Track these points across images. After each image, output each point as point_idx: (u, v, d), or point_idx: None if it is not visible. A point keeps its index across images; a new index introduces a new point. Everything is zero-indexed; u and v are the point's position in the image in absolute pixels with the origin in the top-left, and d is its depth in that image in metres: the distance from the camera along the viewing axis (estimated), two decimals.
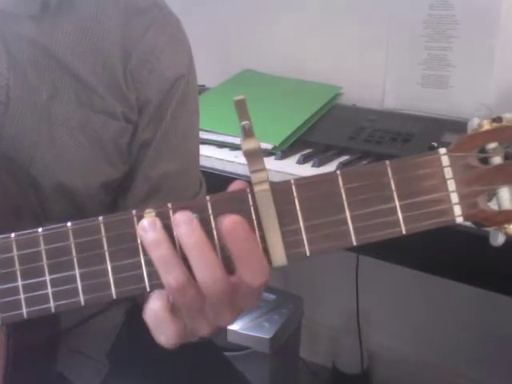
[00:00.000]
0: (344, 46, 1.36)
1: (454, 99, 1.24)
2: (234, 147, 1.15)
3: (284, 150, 1.11)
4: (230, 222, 0.40)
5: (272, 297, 1.46)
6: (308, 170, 1.02)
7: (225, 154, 1.12)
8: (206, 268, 0.40)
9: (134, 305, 0.73)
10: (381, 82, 1.32)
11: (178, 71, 0.66)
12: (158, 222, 0.41)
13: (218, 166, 1.09)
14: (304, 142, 1.16)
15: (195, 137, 0.73)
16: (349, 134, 1.16)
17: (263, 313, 1.41)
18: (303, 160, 1.07)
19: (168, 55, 0.65)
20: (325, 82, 1.35)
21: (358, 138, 1.14)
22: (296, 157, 1.08)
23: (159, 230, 0.41)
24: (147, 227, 0.41)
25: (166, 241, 0.41)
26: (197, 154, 0.74)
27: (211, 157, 1.10)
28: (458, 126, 1.15)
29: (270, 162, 1.06)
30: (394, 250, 0.92)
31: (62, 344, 0.66)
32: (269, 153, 1.10)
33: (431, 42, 1.25)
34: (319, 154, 1.10)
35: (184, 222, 0.41)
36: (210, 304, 0.42)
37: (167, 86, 0.65)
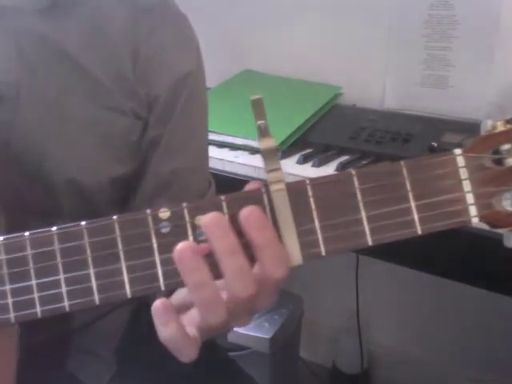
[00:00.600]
0: (344, 46, 1.36)
1: (453, 99, 1.24)
2: (234, 147, 1.15)
3: (284, 150, 1.11)
4: (247, 210, 0.40)
5: None
6: (308, 170, 1.02)
7: (225, 153, 1.12)
8: (237, 273, 0.40)
9: (140, 303, 0.73)
10: (381, 81, 1.32)
11: (187, 68, 0.67)
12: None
13: (218, 166, 1.09)
14: (304, 141, 1.16)
15: (204, 134, 0.73)
16: (349, 134, 1.16)
17: (263, 313, 1.41)
18: (303, 160, 1.07)
19: (176, 52, 0.66)
20: (325, 82, 1.35)
21: (358, 138, 1.14)
22: (296, 157, 1.08)
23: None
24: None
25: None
26: (206, 152, 0.74)
27: (211, 157, 1.10)
28: (458, 125, 1.15)
29: None
30: (394, 250, 0.92)
31: (72, 343, 0.66)
32: None
33: (431, 42, 1.25)
34: (319, 154, 1.10)
35: (216, 225, 0.40)
36: (232, 313, 0.41)
37: (176, 82, 0.66)
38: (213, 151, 1.13)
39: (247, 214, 0.40)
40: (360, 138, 1.14)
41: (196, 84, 0.68)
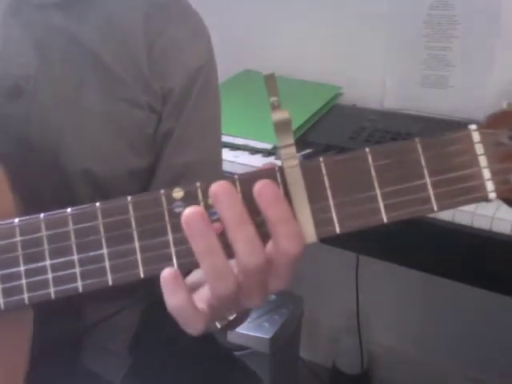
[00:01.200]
0: (344, 46, 1.36)
1: (453, 99, 1.24)
2: (234, 147, 1.15)
3: None
4: (260, 183, 0.39)
5: (272, 297, 1.46)
6: None
7: (225, 153, 1.12)
8: (247, 242, 0.39)
9: (152, 302, 0.74)
10: (381, 81, 1.32)
11: (199, 61, 0.68)
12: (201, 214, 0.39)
13: None
14: (304, 141, 1.16)
15: (217, 129, 0.74)
16: (349, 134, 1.16)
17: (263, 313, 1.41)
18: (303, 160, 1.06)
19: (189, 46, 0.67)
20: (325, 82, 1.35)
21: (357, 138, 1.14)
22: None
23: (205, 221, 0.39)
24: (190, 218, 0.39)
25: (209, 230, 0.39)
26: (219, 146, 0.75)
27: None
28: (458, 125, 1.14)
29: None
30: (394, 250, 0.92)
31: (86, 339, 0.67)
32: (269, 153, 1.10)
33: (431, 42, 1.25)
34: (319, 154, 1.10)
35: (224, 193, 0.39)
36: (244, 287, 0.41)
37: (189, 75, 0.67)
38: None
39: (261, 187, 0.39)
40: (360, 138, 1.14)
41: (208, 77, 0.69)
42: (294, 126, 1.16)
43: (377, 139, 1.12)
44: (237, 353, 1.33)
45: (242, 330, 1.36)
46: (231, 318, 0.46)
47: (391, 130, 1.14)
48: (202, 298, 0.43)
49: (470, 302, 1.39)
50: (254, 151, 1.12)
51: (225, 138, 1.16)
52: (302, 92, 1.34)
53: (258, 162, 1.08)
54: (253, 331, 1.36)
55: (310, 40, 1.40)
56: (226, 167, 1.09)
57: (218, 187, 0.39)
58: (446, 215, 0.86)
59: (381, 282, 1.53)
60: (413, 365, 1.58)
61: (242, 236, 0.39)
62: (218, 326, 0.46)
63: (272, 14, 1.44)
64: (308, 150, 1.12)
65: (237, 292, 0.40)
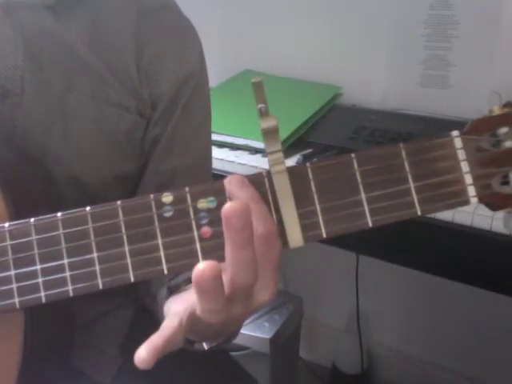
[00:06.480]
0: (344, 46, 1.36)
1: (454, 99, 1.24)
2: (234, 147, 1.15)
3: (284, 150, 1.11)
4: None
5: None
6: None
7: (225, 153, 1.12)
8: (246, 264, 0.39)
9: (143, 305, 0.74)
10: (381, 82, 1.32)
11: (190, 68, 0.68)
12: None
13: (218, 166, 1.09)
14: (304, 141, 1.16)
15: (207, 134, 0.73)
16: (349, 134, 1.16)
17: (263, 313, 1.41)
18: (303, 160, 1.06)
19: (180, 53, 0.67)
20: (325, 82, 1.35)
21: (358, 138, 1.14)
22: (296, 157, 1.08)
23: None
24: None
25: None
26: (208, 152, 0.74)
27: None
28: (458, 125, 1.14)
29: None
30: (394, 250, 0.92)
31: (76, 339, 0.67)
32: None
33: (431, 42, 1.25)
34: (319, 154, 1.10)
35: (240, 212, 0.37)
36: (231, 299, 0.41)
37: (179, 82, 0.66)
38: (213, 151, 1.13)
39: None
40: (360, 138, 1.14)
41: (198, 85, 0.69)
42: (294, 126, 1.17)
43: (377, 139, 1.12)
44: (237, 353, 1.33)
45: (242, 329, 1.35)
46: (217, 342, 0.46)
47: (391, 130, 1.14)
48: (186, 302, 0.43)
49: (469, 301, 1.39)
50: (254, 151, 1.12)
51: (225, 138, 1.16)
52: (302, 92, 1.34)
53: (258, 162, 1.08)
54: (253, 331, 1.36)
55: (310, 40, 1.40)
56: (225, 167, 1.10)
57: (233, 208, 0.38)
58: (445, 215, 0.86)
59: (381, 282, 1.53)
60: (413, 365, 1.58)
61: (243, 257, 0.39)
62: (206, 347, 0.46)
63: (272, 14, 1.44)
64: (308, 150, 1.12)
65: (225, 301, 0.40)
